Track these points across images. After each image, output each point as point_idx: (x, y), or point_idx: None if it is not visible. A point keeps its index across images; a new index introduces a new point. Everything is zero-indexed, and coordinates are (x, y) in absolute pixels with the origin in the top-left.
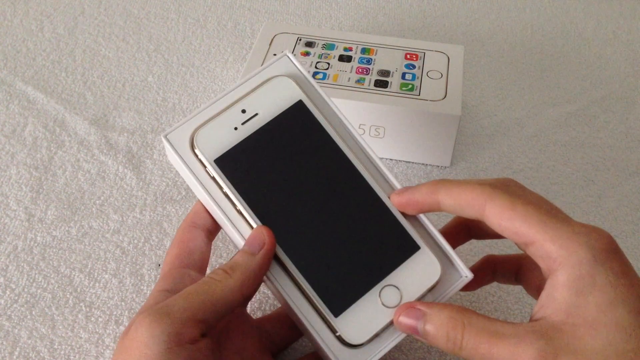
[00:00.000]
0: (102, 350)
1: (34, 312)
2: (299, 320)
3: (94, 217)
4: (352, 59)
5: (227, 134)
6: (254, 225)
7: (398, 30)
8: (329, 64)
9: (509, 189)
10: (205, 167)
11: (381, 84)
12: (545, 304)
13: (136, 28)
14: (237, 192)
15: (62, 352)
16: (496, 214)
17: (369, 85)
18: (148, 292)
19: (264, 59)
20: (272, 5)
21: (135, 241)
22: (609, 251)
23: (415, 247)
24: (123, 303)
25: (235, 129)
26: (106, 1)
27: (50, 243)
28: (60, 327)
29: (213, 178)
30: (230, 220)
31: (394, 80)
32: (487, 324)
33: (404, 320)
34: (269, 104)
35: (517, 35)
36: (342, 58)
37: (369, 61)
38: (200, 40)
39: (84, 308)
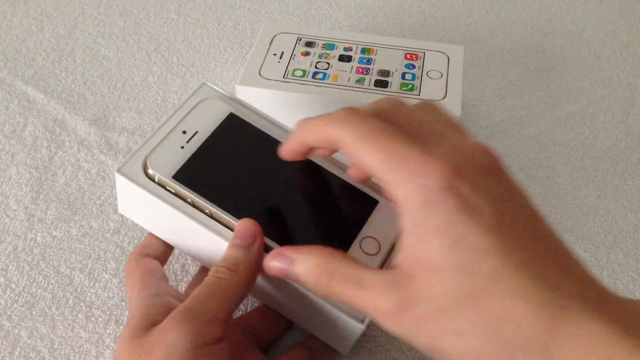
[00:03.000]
0: (102, 350)
1: (34, 312)
2: (296, 297)
3: (94, 217)
4: (352, 59)
5: (176, 154)
6: (231, 221)
7: (398, 30)
8: (329, 64)
9: (367, 120)
10: (164, 187)
11: (381, 84)
12: (399, 251)
13: (136, 28)
14: (203, 198)
15: (62, 352)
16: (348, 152)
17: (369, 85)
18: None
19: (264, 59)
20: (272, 5)
21: (135, 241)
22: (443, 189)
23: (374, 202)
24: (123, 303)
25: (182, 147)
26: (106, 1)
27: (51, 243)
28: (60, 327)
29: (175, 194)
30: (204, 224)
31: (394, 80)
32: (352, 272)
33: (275, 264)
34: (205, 122)
35: (517, 35)
36: (342, 58)
37: (369, 61)
38: (200, 40)
39: (84, 308)
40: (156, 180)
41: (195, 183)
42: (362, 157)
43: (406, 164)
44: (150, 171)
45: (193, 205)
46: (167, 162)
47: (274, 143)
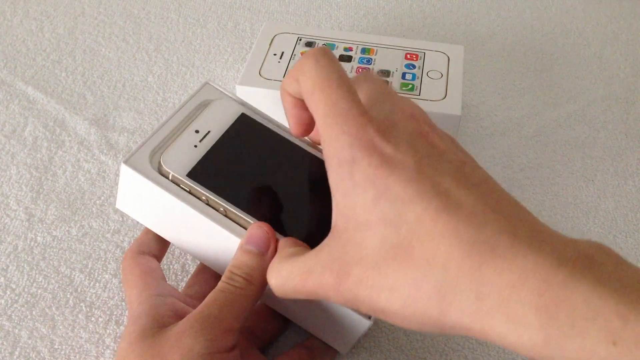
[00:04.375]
0: (102, 350)
1: (34, 312)
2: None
3: (94, 217)
4: (352, 59)
5: (189, 152)
6: (246, 219)
7: (398, 30)
8: None
9: (327, 63)
10: (178, 184)
11: None
12: (333, 212)
13: (136, 28)
14: (218, 195)
15: (63, 352)
16: (305, 99)
17: None
18: None
19: (264, 59)
20: (272, 5)
21: None
22: (367, 148)
23: None
24: (123, 303)
25: (195, 146)
26: (106, 1)
27: (51, 243)
28: (60, 327)
29: (189, 191)
30: (214, 218)
31: (394, 80)
32: (301, 263)
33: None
34: (217, 122)
35: (517, 35)
36: (342, 58)
37: (369, 61)
38: (200, 40)
39: (84, 308)
40: (170, 178)
41: (209, 181)
42: (313, 108)
43: (342, 122)
44: (164, 169)
45: (207, 202)
46: (180, 161)
47: (286, 142)
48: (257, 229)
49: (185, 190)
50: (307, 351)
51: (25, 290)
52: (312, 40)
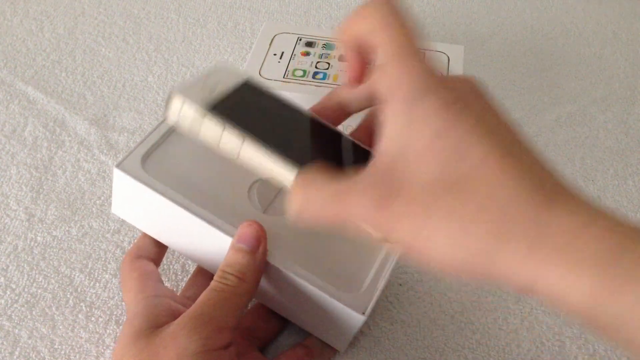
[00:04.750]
0: (102, 350)
1: (34, 312)
2: (295, 292)
3: (94, 217)
4: None
5: (199, 101)
6: (265, 151)
7: None
8: (329, 64)
9: (396, 6)
10: (192, 114)
11: None
12: (381, 139)
13: (136, 28)
14: (236, 126)
15: (63, 352)
16: (370, 39)
17: None
18: None
19: (264, 59)
20: (272, 5)
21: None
22: (437, 85)
23: (369, 154)
24: (123, 303)
25: (203, 99)
26: (106, 1)
27: (51, 243)
28: (60, 327)
29: (203, 119)
30: (205, 219)
31: None
32: (335, 183)
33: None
34: (223, 84)
35: (517, 35)
36: (342, 58)
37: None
38: (200, 40)
39: (84, 308)
40: (181, 107)
41: (225, 116)
42: (381, 42)
43: (413, 59)
44: (175, 101)
45: (223, 132)
46: (198, 97)
47: (290, 104)
48: (248, 227)
49: (199, 119)
50: (306, 350)
51: (25, 290)
52: (312, 40)
